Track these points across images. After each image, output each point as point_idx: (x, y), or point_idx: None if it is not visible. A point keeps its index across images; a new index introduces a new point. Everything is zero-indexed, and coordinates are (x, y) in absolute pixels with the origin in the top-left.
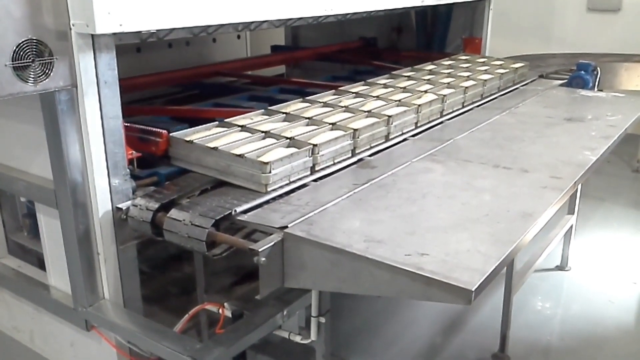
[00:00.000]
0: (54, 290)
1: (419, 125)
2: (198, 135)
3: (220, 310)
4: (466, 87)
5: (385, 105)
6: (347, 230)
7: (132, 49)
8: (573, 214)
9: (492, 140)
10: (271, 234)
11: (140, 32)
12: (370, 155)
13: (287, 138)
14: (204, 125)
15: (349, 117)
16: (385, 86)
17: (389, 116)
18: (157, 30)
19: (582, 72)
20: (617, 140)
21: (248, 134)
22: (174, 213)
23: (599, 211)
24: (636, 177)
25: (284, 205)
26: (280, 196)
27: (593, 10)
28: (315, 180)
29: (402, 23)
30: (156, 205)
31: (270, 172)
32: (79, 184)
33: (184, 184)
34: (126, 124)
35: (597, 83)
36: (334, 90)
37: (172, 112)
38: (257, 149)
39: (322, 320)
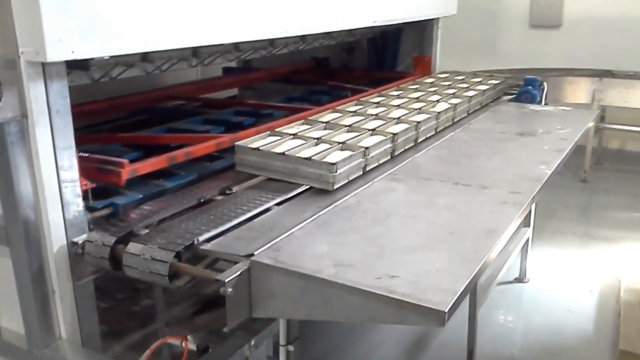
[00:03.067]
0: (5, 332)
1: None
2: (257, 143)
3: (184, 344)
4: (439, 112)
5: (360, 135)
6: (316, 255)
7: None
8: (529, 226)
9: (449, 157)
10: (237, 263)
11: (92, 59)
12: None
13: (339, 142)
14: (257, 135)
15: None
16: (355, 113)
17: (366, 147)
18: (110, 56)
19: (530, 87)
20: (569, 153)
21: (302, 141)
22: (132, 247)
23: (552, 222)
24: (584, 187)
25: (248, 232)
26: (244, 222)
27: (535, 26)
28: (278, 205)
29: (353, 43)
30: (112, 240)
31: (336, 171)
32: (31, 219)
33: (143, 213)
34: (82, 154)
35: (544, 97)
36: (302, 120)
37: (124, 140)
38: (318, 153)
39: (291, 348)
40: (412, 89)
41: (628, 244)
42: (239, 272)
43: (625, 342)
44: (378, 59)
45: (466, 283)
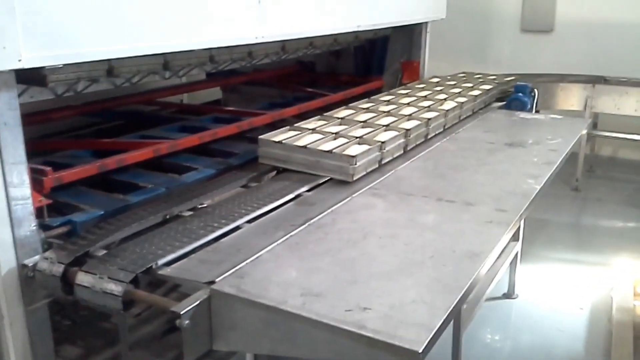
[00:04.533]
0: None
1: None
2: (279, 137)
3: None
4: (428, 119)
5: (348, 142)
6: (283, 282)
7: None
8: (517, 240)
9: (434, 169)
10: (197, 290)
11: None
12: (308, 190)
13: (356, 137)
14: (278, 130)
15: None
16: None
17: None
18: (63, 65)
19: (520, 94)
20: (560, 166)
21: (321, 135)
22: (86, 270)
23: (543, 233)
24: (576, 196)
25: (213, 254)
26: (211, 242)
27: (527, 31)
28: (249, 222)
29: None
30: (66, 261)
31: (356, 164)
32: None
33: (103, 231)
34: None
35: (535, 104)
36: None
37: (93, 145)
38: (338, 146)
39: None
40: (402, 94)
41: (620, 257)
42: (197, 302)
43: None
44: (365, 63)
45: (444, 317)
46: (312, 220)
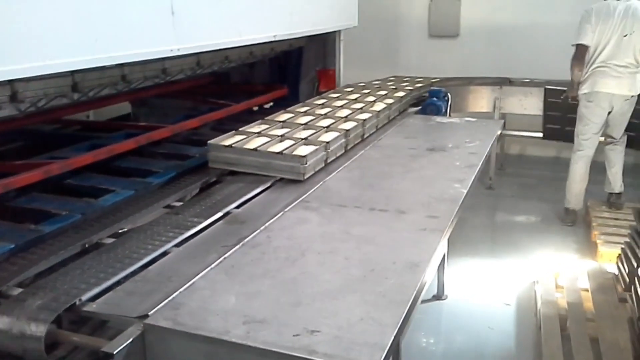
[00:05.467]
0: None
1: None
2: (228, 141)
3: None
4: (347, 130)
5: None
6: (222, 310)
7: None
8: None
9: (361, 179)
10: (129, 326)
11: None
12: (237, 207)
13: (302, 139)
14: (226, 134)
15: None
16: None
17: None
18: None
19: (435, 98)
20: (482, 168)
21: (267, 138)
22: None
23: (462, 232)
24: (490, 194)
25: (142, 284)
26: (137, 271)
27: (434, 36)
28: (177, 246)
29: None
30: None
31: (307, 163)
32: None
33: (15, 267)
34: None
35: (449, 108)
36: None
37: None
38: (287, 148)
39: None
40: (318, 104)
41: (538, 251)
42: (129, 340)
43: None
44: (281, 72)
45: (394, 333)
46: (246, 240)
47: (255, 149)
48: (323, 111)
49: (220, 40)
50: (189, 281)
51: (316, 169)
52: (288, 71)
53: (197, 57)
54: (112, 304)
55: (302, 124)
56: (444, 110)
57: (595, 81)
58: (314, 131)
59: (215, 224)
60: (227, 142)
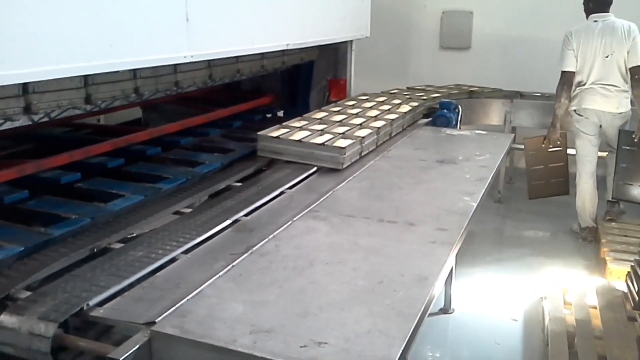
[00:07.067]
0: None
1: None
2: (275, 133)
3: None
4: (378, 128)
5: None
6: (229, 319)
7: None
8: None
9: (371, 189)
10: (136, 333)
11: None
12: (246, 215)
13: (339, 133)
14: (272, 127)
15: None
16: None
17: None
18: None
19: (445, 110)
20: (492, 182)
21: (308, 132)
22: (5, 318)
23: (471, 245)
24: (499, 207)
25: (150, 291)
26: (145, 277)
27: (445, 48)
28: (185, 252)
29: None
30: None
31: (345, 154)
32: None
33: (23, 270)
34: None
35: (459, 120)
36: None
37: None
38: (328, 140)
39: None
40: (349, 105)
41: (545, 266)
42: (136, 347)
43: None
44: (292, 81)
45: (402, 346)
46: (254, 248)
47: (299, 140)
48: (354, 111)
49: (233, 48)
50: (196, 289)
51: (352, 160)
52: (299, 80)
53: (210, 70)
54: (119, 310)
55: (337, 121)
56: (454, 122)
57: (583, 98)
58: (348, 127)
59: (224, 231)
60: (275, 134)
